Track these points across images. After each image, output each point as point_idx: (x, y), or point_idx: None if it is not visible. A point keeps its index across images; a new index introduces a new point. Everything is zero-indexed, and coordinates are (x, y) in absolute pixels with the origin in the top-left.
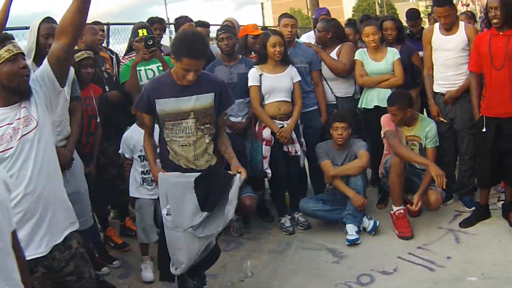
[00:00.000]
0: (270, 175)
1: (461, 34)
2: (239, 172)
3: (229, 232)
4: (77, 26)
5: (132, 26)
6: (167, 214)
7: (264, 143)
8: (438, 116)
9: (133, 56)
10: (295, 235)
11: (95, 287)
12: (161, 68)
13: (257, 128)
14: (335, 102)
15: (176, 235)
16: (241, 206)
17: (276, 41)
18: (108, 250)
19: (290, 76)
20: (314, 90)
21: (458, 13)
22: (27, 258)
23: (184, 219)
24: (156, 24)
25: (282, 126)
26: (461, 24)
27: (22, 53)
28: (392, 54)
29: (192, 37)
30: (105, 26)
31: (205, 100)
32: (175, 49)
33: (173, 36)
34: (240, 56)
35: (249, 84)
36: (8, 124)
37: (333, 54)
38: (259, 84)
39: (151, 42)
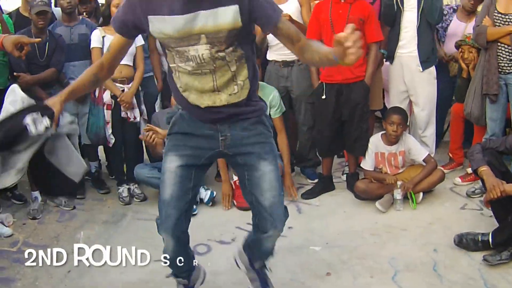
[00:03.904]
0: (113, 141)
1: (293, 2)
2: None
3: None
4: None
5: None
6: None
7: (105, 107)
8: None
9: None
10: (130, 206)
11: None
12: None
13: (97, 92)
14: None
15: None
16: None
17: (120, 2)
18: None
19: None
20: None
21: None
22: None
23: None
24: None
25: (124, 90)
26: None
27: None
28: None
29: None
30: None
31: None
32: None
33: None
34: (81, 17)
35: (92, 45)
36: None
37: None
38: (101, 46)
39: None
